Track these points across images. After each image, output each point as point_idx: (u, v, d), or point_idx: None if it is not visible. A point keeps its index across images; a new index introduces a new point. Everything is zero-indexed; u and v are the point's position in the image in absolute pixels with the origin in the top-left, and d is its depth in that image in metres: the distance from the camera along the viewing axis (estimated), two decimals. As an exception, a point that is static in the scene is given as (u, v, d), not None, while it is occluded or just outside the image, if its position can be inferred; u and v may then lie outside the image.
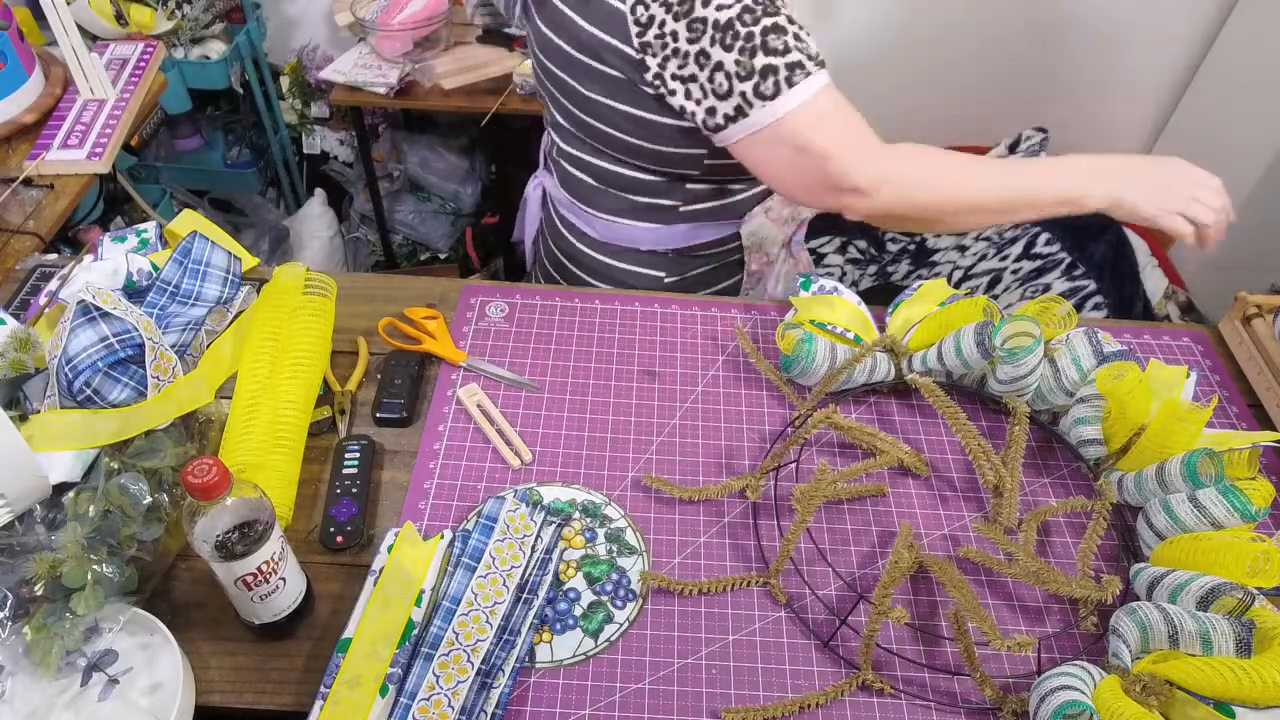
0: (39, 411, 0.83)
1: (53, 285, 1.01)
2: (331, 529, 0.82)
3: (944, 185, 0.86)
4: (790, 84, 0.81)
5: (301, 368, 0.91)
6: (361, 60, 1.94)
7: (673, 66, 0.85)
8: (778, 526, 0.85)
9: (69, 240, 1.56)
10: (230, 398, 0.89)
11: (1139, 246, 1.75)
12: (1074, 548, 0.85)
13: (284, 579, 0.72)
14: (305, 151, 2.40)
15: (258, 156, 2.33)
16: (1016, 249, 1.81)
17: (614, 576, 0.80)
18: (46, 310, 0.96)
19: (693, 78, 0.84)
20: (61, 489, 0.78)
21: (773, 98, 0.81)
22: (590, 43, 0.90)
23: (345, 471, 0.86)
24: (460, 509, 0.85)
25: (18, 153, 1.37)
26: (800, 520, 0.79)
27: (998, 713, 0.73)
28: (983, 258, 1.85)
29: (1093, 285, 1.69)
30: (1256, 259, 1.63)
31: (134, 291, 0.95)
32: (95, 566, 0.71)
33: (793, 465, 0.89)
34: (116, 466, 0.79)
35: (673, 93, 0.87)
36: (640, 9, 0.84)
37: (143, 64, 1.60)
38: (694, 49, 0.83)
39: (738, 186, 1.05)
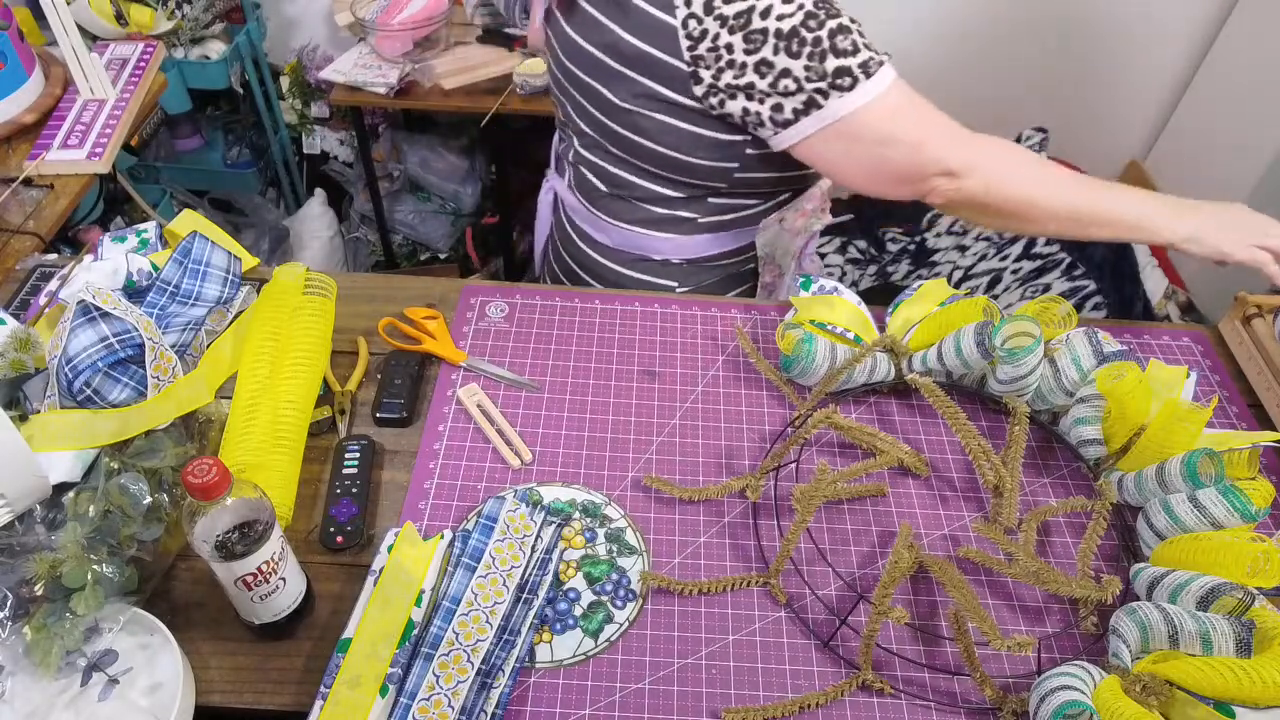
0: (39, 411, 0.83)
1: (53, 285, 1.01)
2: (331, 529, 0.82)
3: (1029, 181, 0.88)
4: (867, 75, 0.82)
5: (301, 368, 0.91)
6: (361, 60, 1.94)
7: (728, 77, 0.85)
8: (778, 526, 0.85)
9: (69, 240, 1.57)
10: (230, 398, 0.89)
11: (1139, 247, 1.75)
12: (1074, 548, 0.85)
13: (284, 579, 0.72)
14: (305, 151, 2.40)
15: (258, 156, 2.33)
16: (1016, 249, 1.81)
17: (614, 576, 0.80)
18: (46, 310, 0.96)
19: (751, 85, 0.85)
20: (61, 489, 0.78)
21: (850, 89, 0.82)
22: (629, 53, 0.89)
23: (345, 471, 0.86)
24: (460, 509, 0.85)
25: (18, 153, 1.37)
26: (800, 520, 0.79)
27: (998, 713, 0.73)
28: (983, 258, 1.85)
29: (1093, 285, 1.69)
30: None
31: (134, 291, 0.95)
32: (95, 566, 0.71)
33: (793, 465, 0.89)
34: (116, 466, 0.79)
35: (727, 100, 0.87)
36: (692, 23, 0.84)
37: (143, 64, 1.60)
38: (753, 59, 0.83)
39: (753, 201, 1.04)
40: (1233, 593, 0.69)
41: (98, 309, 0.85)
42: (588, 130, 1.02)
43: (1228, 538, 0.75)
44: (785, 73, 0.83)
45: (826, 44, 0.81)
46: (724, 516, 0.86)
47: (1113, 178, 2.05)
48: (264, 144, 2.34)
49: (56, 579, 0.70)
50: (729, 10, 0.82)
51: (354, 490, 0.85)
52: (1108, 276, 1.69)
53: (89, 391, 0.84)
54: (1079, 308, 1.66)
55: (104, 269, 0.96)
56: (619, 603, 0.79)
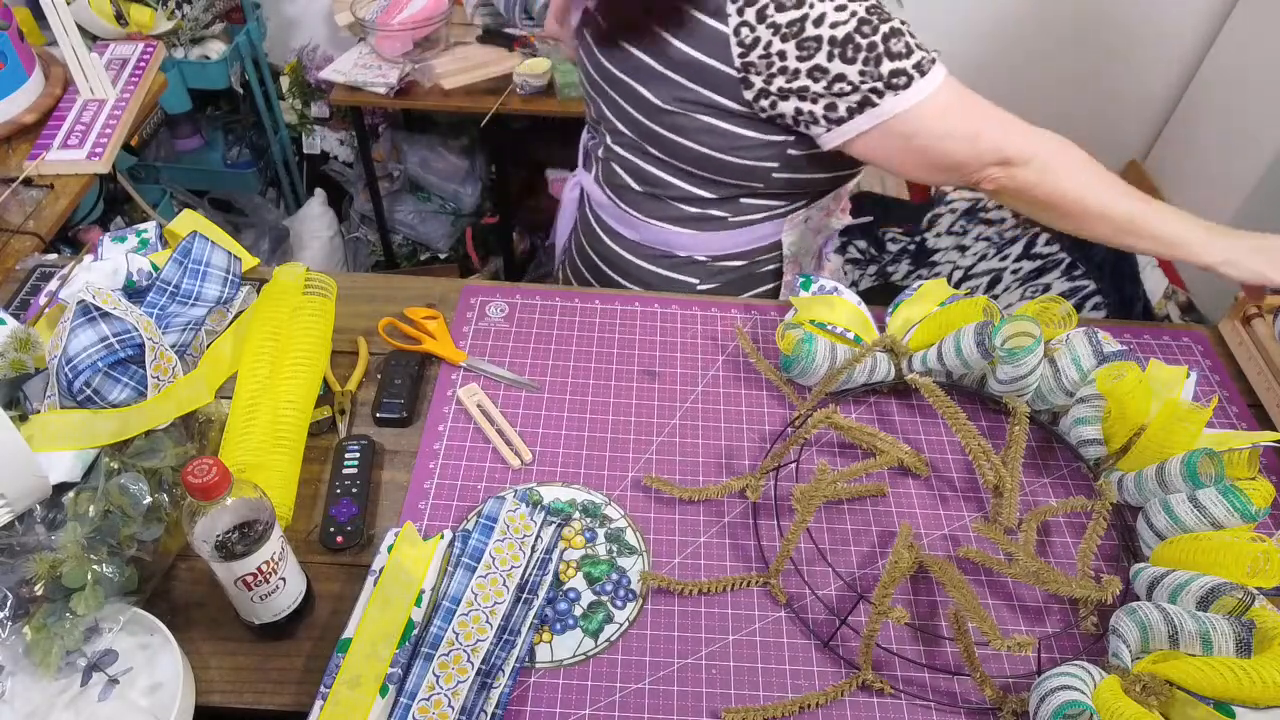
0: (39, 411, 0.83)
1: (53, 285, 1.01)
2: (331, 529, 0.82)
3: (1082, 179, 0.90)
4: (921, 74, 0.84)
5: (301, 368, 0.91)
6: (361, 60, 1.95)
7: (780, 82, 0.86)
8: (778, 526, 0.85)
9: (69, 240, 1.57)
10: (230, 398, 0.89)
11: (1139, 247, 1.75)
12: (1074, 548, 0.85)
13: (284, 579, 0.72)
14: (305, 151, 2.40)
15: (258, 156, 2.33)
16: (1016, 249, 1.81)
17: (614, 576, 0.80)
18: (46, 310, 0.96)
19: (805, 89, 0.86)
20: (61, 489, 0.78)
21: (905, 87, 0.84)
22: (676, 57, 0.90)
23: (345, 471, 0.86)
24: (460, 509, 0.85)
25: (18, 153, 1.37)
26: (800, 520, 0.79)
27: (998, 713, 0.73)
28: (983, 258, 1.85)
29: (1093, 285, 1.69)
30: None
31: (134, 291, 0.95)
32: (95, 566, 0.71)
33: (793, 465, 0.89)
34: (116, 466, 0.79)
35: (779, 102, 0.88)
36: (745, 30, 0.85)
37: (143, 64, 1.60)
38: (806, 65, 0.84)
39: (782, 203, 1.04)
40: (1233, 593, 0.69)
41: (98, 309, 0.85)
42: (623, 129, 1.03)
43: (1228, 538, 0.75)
44: (840, 77, 0.84)
45: (881, 48, 0.83)
46: (724, 516, 0.86)
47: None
48: (264, 144, 2.34)
49: (56, 579, 0.70)
50: (782, 19, 0.83)
51: (354, 490, 0.85)
52: (1108, 276, 1.69)
53: (89, 391, 0.84)
54: (1079, 308, 1.66)
55: (104, 269, 0.96)
56: (619, 603, 0.79)
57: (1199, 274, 0.94)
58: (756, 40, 0.85)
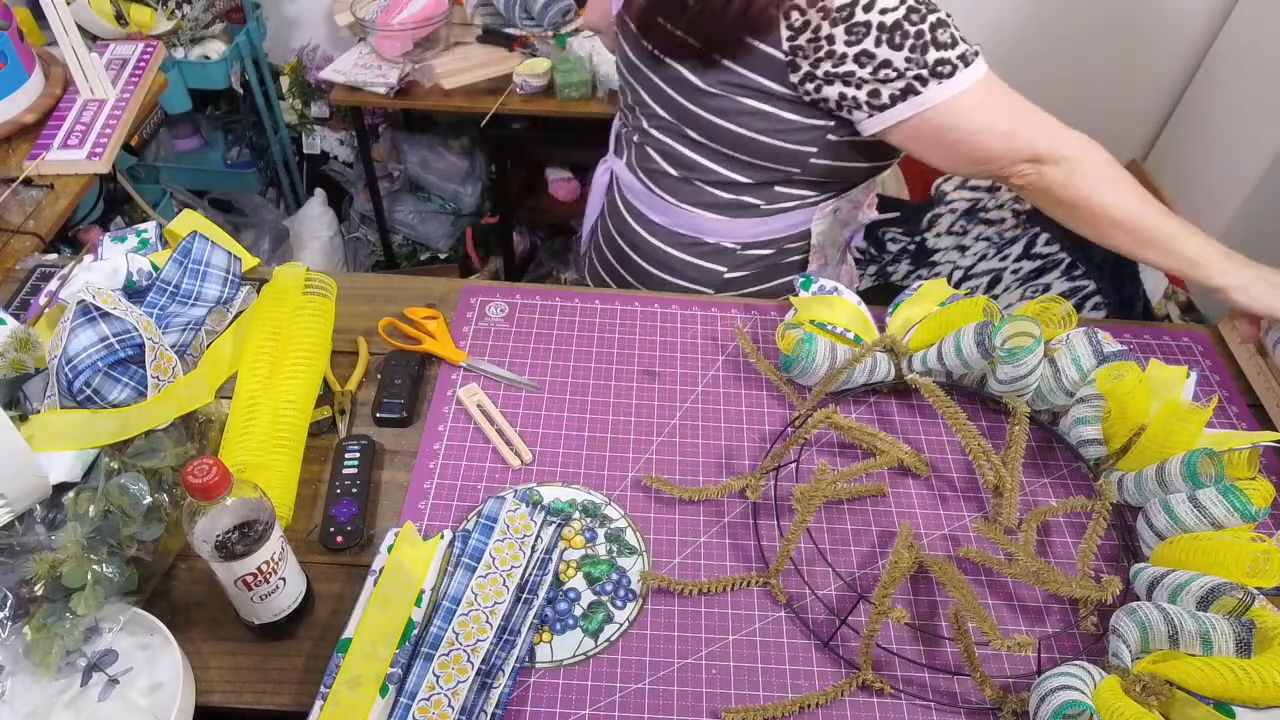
0: (39, 411, 0.83)
1: (53, 285, 1.01)
2: (331, 529, 0.82)
3: (1108, 187, 0.92)
4: (965, 65, 0.86)
5: (301, 368, 0.91)
6: (361, 60, 1.95)
7: (826, 65, 0.87)
8: (778, 526, 0.85)
9: (69, 240, 1.57)
10: (230, 398, 0.89)
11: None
12: (1074, 548, 0.85)
13: (284, 579, 0.72)
14: (305, 151, 2.40)
15: (258, 156, 2.33)
16: (1016, 249, 1.81)
17: (614, 576, 0.80)
18: (46, 310, 0.96)
19: (851, 73, 0.87)
20: (61, 489, 0.78)
21: (949, 76, 0.85)
22: (724, 40, 0.91)
23: (345, 471, 0.86)
24: (460, 509, 0.85)
25: (18, 153, 1.37)
26: (800, 520, 0.79)
27: (998, 713, 0.73)
28: (983, 258, 1.85)
29: (1093, 285, 1.69)
30: (1256, 259, 1.63)
31: (134, 291, 0.95)
32: (95, 566, 0.71)
33: (793, 465, 0.89)
34: (116, 466, 0.79)
35: (824, 86, 0.89)
36: (795, 14, 0.86)
37: (143, 64, 1.60)
38: (854, 50, 0.85)
39: (813, 192, 1.05)
40: (1233, 593, 0.69)
41: (98, 309, 0.85)
42: (661, 112, 1.03)
43: (1228, 538, 0.75)
44: (886, 63, 0.86)
45: (928, 36, 0.84)
46: (724, 516, 0.86)
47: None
48: (264, 144, 2.34)
49: (56, 579, 0.70)
50: (833, 3, 0.84)
51: (354, 490, 0.85)
52: (1108, 276, 1.69)
53: (89, 391, 0.84)
54: (1079, 308, 1.66)
55: (104, 269, 0.96)
56: (619, 603, 0.79)
57: (1199, 275, 0.94)
58: (806, 24, 0.86)
